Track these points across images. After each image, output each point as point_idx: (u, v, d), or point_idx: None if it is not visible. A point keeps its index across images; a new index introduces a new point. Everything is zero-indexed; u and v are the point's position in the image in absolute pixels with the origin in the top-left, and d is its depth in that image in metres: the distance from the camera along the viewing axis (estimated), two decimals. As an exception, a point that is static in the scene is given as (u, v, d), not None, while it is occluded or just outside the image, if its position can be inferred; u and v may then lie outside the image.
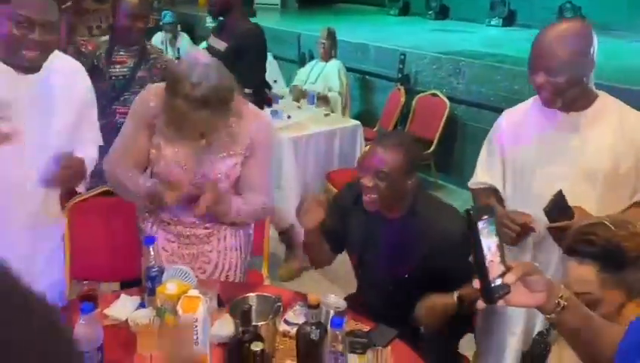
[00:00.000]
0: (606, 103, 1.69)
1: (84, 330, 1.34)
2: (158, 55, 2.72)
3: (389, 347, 1.59)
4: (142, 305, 1.74)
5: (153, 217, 1.95)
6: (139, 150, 1.84)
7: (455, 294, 1.73)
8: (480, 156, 1.98)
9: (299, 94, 4.68)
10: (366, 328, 1.64)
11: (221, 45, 3.41)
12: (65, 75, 1.79)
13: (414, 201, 1.78)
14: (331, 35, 4.79)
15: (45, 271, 1.82)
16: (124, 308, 1.73)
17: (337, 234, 1.91)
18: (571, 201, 1.59)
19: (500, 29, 7.22)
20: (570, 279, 1.24)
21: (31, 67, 1.66)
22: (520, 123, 1.82)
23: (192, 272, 1.70)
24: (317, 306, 1.39)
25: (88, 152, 1.87)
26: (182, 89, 1.60)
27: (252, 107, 1.90)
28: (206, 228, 1.92)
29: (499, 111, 4.36)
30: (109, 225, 2.35)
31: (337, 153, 4.06)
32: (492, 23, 7.39)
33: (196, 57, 1.72)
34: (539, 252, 1.77)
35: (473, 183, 1.98)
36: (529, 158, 1.76)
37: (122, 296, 1.80)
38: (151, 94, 1.82)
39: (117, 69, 2.56)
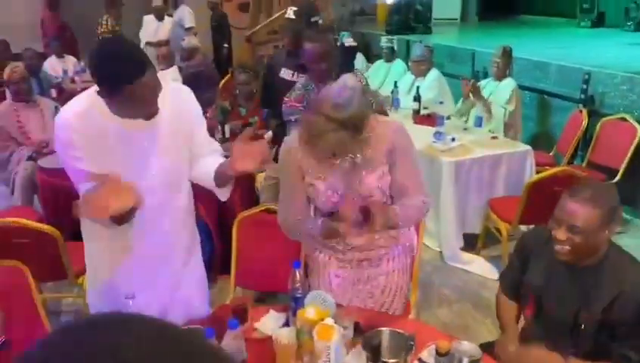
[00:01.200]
0: None
1: (229, 344, 1.49)
2: None
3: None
4: (287, 324, 1.86)
5: (325, 246, 2.07)
6: (299, 195, 1.98)
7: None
8: None
9: (475, 90, 4.48)
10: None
11: None
12: (172, 107, 1.76)
13: (606, 252, 1.74)
14: (506, 53, 4.57)
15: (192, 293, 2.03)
16: (270, 324, 1.87)
17: (519, 276, 1.95)
18: None
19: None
20: None
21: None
22: None
23: (332, 299, 1.77)
24: (446, 354, 1.36)
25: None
26: (326, 109, 1.69)
27: (380, 116, 1.98)
28: (381, 247, 2.01)
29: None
30: (272, 240, 2.54)
31: (503, 180, 3.87)
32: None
33: (345, 80, 1.80)
34: None
35: None
36: None
37: (271, 311, 1.95)
38: (293, 142, 1.94)
39: None
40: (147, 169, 1.74)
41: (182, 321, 1.81)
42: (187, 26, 7.26)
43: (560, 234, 1.68)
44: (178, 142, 1.81)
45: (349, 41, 4.81)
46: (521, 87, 4.67)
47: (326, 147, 1.75)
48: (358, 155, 1.86)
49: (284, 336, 1.78)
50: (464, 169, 3.75)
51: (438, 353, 1.38)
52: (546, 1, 9.32)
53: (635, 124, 4.20)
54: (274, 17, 8.15)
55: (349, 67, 3.59)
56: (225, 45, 7.97)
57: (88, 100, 1.67)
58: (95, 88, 1.62)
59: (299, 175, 1.95)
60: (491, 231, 3.87)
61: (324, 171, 1.91)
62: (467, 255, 3.83)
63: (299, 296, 1.81)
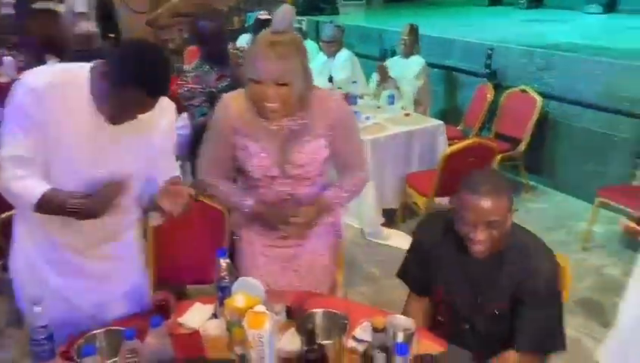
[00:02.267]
0: None
1: (153, 343, 1.38)
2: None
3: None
4: (215, 316, 1.77)
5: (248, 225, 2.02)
6: (223, 155, 1.91)
7: None
8: None
9: (384, 75, 4.57)
10: (438, 350, 1.56)
11: None
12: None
13: (510, 237, 1.67)
14: (413, 31, 4.67)
15: (125, 276, 1.89)
16: (197, 317, 1.77)
17: (423, 274, 1.83)
18: None
19: (600, 17, 6.70)
20: None
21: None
22: None
23: (261, 285, 1.70)
24: (382, 330, 1.34)
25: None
26: (266, 37, 1.68)
27: (321, 89, 1.93)
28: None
29: (600, 109, 4.13)
30: (194, 229, 2.41)
31: (418, 155, 3.95)
32: (591, 10, 6.87)
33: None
34: None
35: None
36: None
37: (197, 304, 1.84)
38: (230, 99, 1.87)
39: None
40: (98, 164, 1.62)
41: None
42: (78, 10, 6.77)
43: (480, 234, 1.57)
44: (141, 151, 1.70)
45: (264, 15, 4.68)
46: (429, 64, 4.79)
47: (271, 69, 1.67)
48: (298, 121, 1.82)
49: (213, 328, 1.69)
50: (380, 147, 3.79)
51: (374, 329, 1.36)
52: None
53: (535, 95, 4.44)
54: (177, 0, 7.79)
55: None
56: (111, 35, 7.23)
57: (65, 75, 1.57)
58: (86, 65, 1.56)
59: (229, 136, 1.86)
60: (409, 205, 3.96)
61: (260, 133, 1.84)
62: (387, 231, 3.89)
63: (225, 284, 1.72)
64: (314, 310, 1.64)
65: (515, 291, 1.64)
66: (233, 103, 1.85)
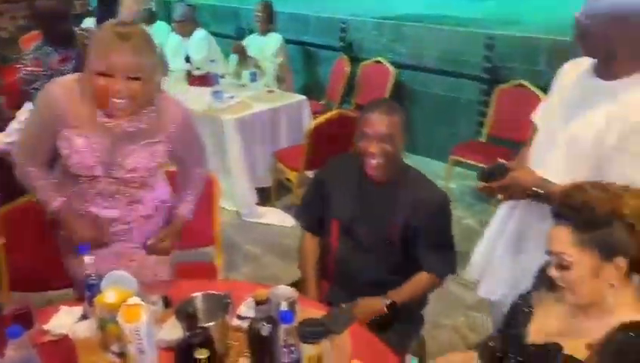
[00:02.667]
0: None
1: (15, 356, 1.24)
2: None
3: (346, 332, 1.56)
4: (85, 317, 1.64)
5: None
6: (47, 146, 1.75)
7: (387, 301, 1.82)
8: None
9: (243, 54, 4.52)
10: (320, 314, 1.59)
11: None
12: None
13: (404, 167, 1.90)
14: (267, 7, 4.65)
15: None
16: (64, 321, 1.63)
17: (319, 211, 2.00)
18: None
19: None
20: (548, 238, 1.25)
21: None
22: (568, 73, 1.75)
23: (132, 277, 1.60)
24: (264, 302, 1.33)
25: None
26: (114, 24, 1.61)
27: (168, 95, 1.84)
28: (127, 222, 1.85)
29: (446, 74, 4.44)
30: (36, 232, 2.19)
31: (285, 131, 3.98)
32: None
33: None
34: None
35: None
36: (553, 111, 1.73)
37: (63, 308, 1.69)
38: (58, 86, 1.70)
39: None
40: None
41: None
42: None
43: (373, 147, 1.77)
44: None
45: None
46: (287, 41, 4.81)
47: (124, 61, 1.56)
48: (136, 123, 1.70)
49: (83, 330, 1.57)
50: (247, 125, 3.75)
51: (257, 302, 1.35)
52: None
53: (389, 65, 4.66)
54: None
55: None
56: None
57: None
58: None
59: (52, 124, 1.69)
60: (282, 181, 3.98)
61: (90, 127, 1.68)
62: (262, 209, 3.89)
63: (93, 282, 1.60)
64: (193, 294, 1.59)
65: (411, 216, 1.82)
66: (61, 90, 1.69)
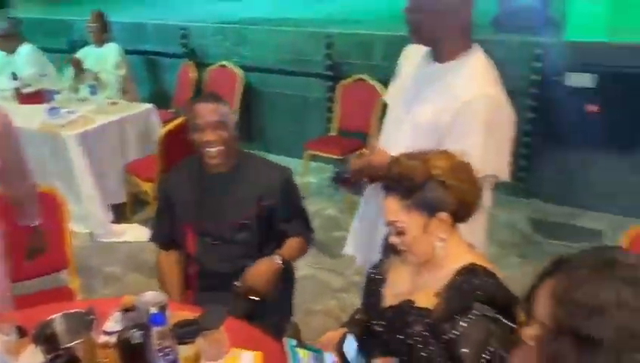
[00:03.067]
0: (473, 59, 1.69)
1: None
2: None
3: (222, 328, 1.55)
4: None
5: None
6: None
7: (278, 257, 1.87)
8: None
9: (79, 67, 4.25)
10: (194, 315, 1.57)
11: None
12: None
13: (240, 152, 1.96)
14: (100, 18, 4.41)
15: None
16: None
17: (171, 223, 2.01)
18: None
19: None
20: (384, 210, 1.36)
21: None
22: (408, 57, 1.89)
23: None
24: (132, 308, 1.28)
25: None
26: None
27: None
28: None
29: (291, 74, 4.57)
30: None
31: (134, 142, 3.81)
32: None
33: None
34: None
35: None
36: (397, 93, 1.87)
37: None
38: None
39: None
40: None
41: None
42: None
43: (208, 135, 1.83)
44: None
45: None
46: (127, 51, 4.61)
47: None
48: None
49: None
50: (92, 140, 3.53)
51: (124, 310, 1.29)
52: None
53: (236, 69, 4.69)
54: None
55: None
56: None
57: None
58: None
59: None
60: (137, 195, 3.81)
61: None
62: (118, 227, 3.69)
63: None
64: (51, 316, 1.47)
65: (262, 196, 1.90)
66: None
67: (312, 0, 6.31)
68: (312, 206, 4.04)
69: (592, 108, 3.53)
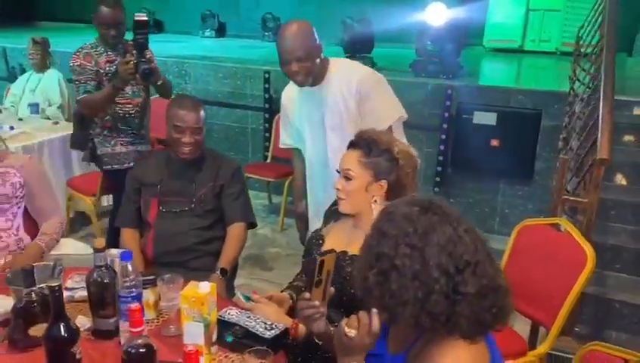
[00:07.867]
0: (334, 66, 2.18)
1: None
2: None
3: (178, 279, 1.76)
4: None
5: None
6: None
7: (216, 273, 2.14)
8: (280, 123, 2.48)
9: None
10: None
11: None
12: None
13: (204, 147, 2.31)
14: (41, 44, 4.53)
15: None
16: None
17: (136, 203, 2.30)
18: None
19: (214, 40, 7.75)
20: (342, 160, 1.69)
21: None
22: (292, 99, 2.32)
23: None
24: (103, 249, 1.49)
25: None
26: None
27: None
28: None
29: (228, 106, 4.87)
30: None
31: (77, 159, 3.91)
32: (206, 34, 7.89)
33: None
34: None
35: (282, 144, 2.47)
36: (301, 123, 2.30)
37: None
38: None
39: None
40: None
41: None
42: None
43: (187, 138, 2.15)
44: None
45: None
46: (69, 80, 4.73)
47: None
48: None
49: None
50: (34, 154, 3.61)
51: (95, 249, 1.48)
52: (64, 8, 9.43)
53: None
54: None
55: None
56: None
57: None
58: None
59: None
60: (80, 210, 3.91)
61: None
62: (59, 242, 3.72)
63: None
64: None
65: (216, 177, 2.24)
66: None
67: (241, 46, 6.76)
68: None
69: (494, 142, 4.08)
